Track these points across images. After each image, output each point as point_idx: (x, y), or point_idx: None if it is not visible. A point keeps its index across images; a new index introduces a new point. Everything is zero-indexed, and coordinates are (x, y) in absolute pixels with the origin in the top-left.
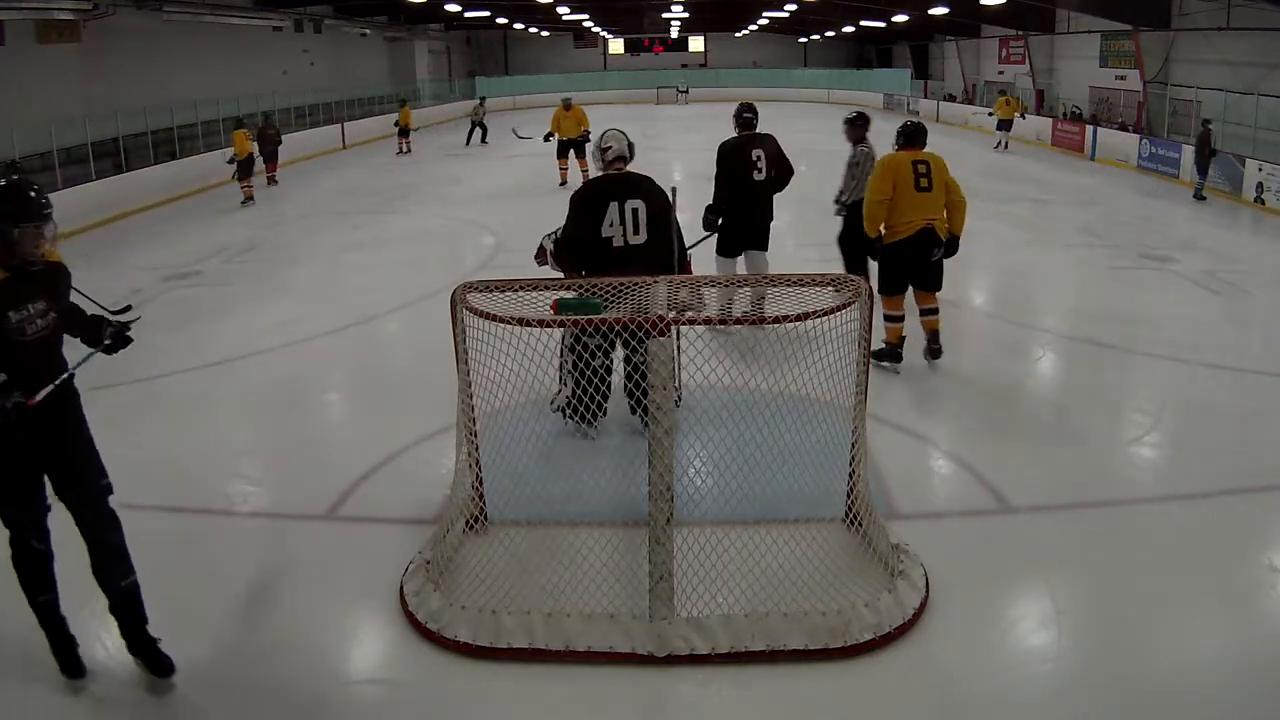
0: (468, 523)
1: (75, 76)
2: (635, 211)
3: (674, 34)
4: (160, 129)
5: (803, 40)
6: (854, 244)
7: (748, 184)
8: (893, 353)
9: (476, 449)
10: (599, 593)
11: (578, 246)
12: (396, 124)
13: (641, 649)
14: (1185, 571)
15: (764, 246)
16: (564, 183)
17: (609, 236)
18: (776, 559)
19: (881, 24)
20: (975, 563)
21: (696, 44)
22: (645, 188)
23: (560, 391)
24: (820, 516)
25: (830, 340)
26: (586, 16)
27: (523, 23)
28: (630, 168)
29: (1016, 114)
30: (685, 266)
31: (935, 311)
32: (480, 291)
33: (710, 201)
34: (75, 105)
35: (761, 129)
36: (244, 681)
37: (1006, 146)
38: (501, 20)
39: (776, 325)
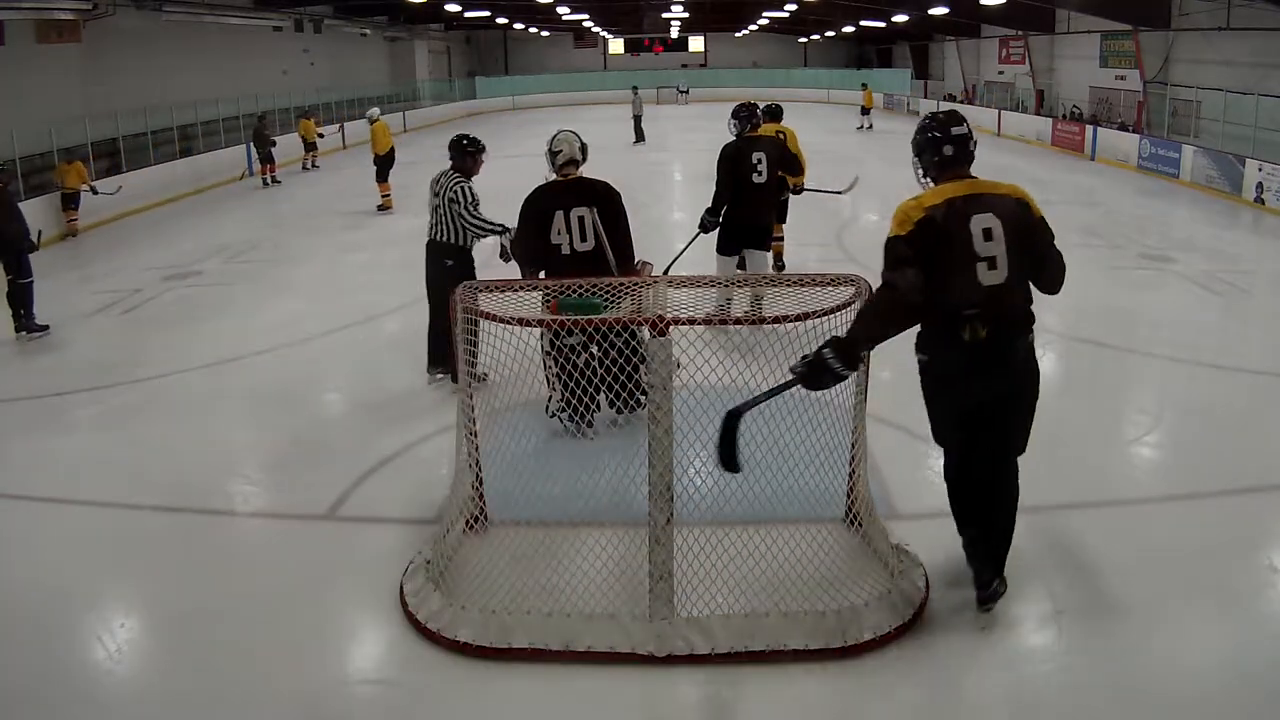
0: (468, 523)
1: (75, 76)
2: (581, 219)
3: (674, 34)
4: (160, 129)
5: (803, 40)
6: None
7: (748, 186)
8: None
9: (476, 449)
10: (599, 593)
11: (529, 252)
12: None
13: (641, 649)
14: (1185, 571)
15: (766, 247)
16: (385, 208)
17: (557, 244)
18: (776, 559)
19: (881, 24)
20: None
21: (696, 44)
22: (594, 194)
23: (551, 397)
24: (820, 516)
25: None
26: (586, 16)
27: (523, 23)
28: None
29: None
30: (631, 269)
31: (781, 239)
32: (480, 291)
33: (710, 205)
34: (75, 105)
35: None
36: (244, 681)
37: (871, 127)
38: (501, 20)
39: (776, 325)
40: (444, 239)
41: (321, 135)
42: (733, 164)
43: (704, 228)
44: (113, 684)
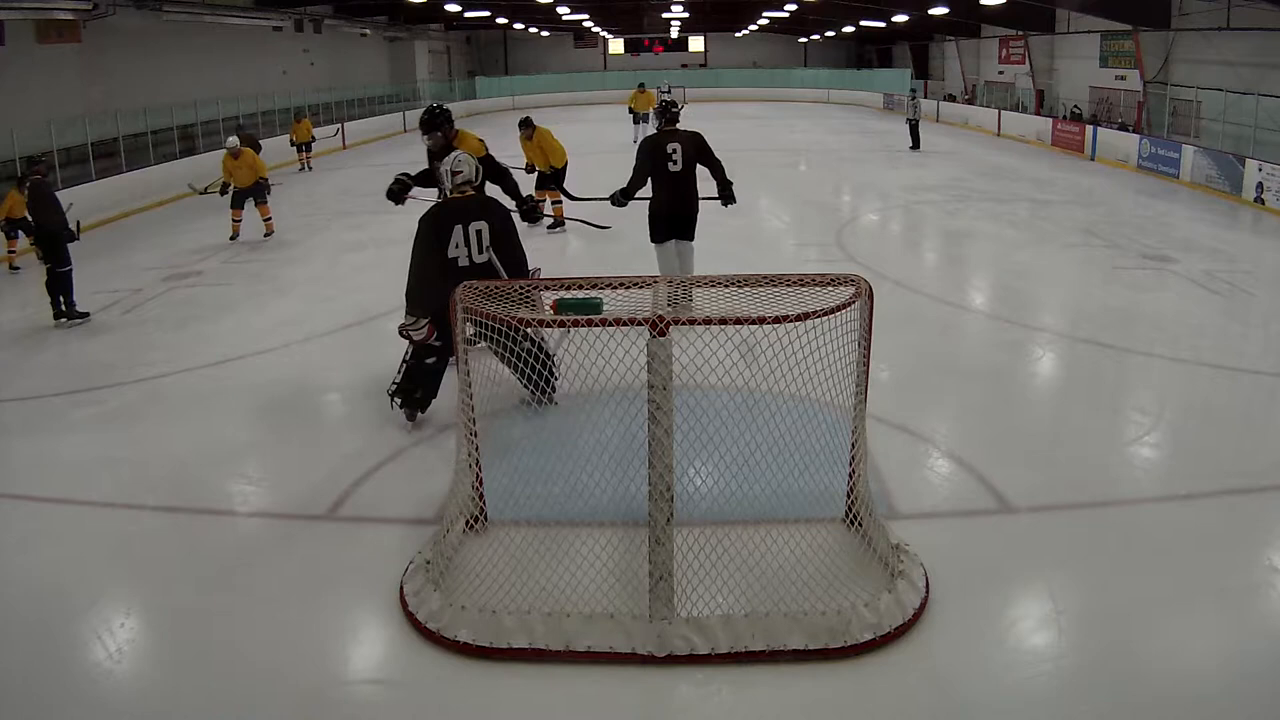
0: (468, 523)
1: (75, 76)
2: (479, 233)
3: (674, 34)
4: (160, 129)
5: (803, 40)
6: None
7: (664, 175)
8: (558, 223)
9: (476, 449)
10: (599, 593)
11: (425, 274)
12: (293, 142)
13: (641, 649)
14: (1185, 571)
15: (690, 236)
16: (235, 236)
17: (454, 257)
18: (776, 559)
19: (881, 24)
20: (975, 563)
21: (696, 44)
22: (489, 209)
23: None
24: (820, 516)
25: (830, 340)
26: (586, 16)
27: (523, 23)
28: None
29: (651, 107)
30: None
31: (560, 202)
32: (480, 291)
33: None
34: (75, 105)
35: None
36: (244, 681)
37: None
38: (501, 20)
39: (776, 325)
40: None
41: (313, 139)
42: (649, 154)
43: (612, 200)
44: (113, 684)
